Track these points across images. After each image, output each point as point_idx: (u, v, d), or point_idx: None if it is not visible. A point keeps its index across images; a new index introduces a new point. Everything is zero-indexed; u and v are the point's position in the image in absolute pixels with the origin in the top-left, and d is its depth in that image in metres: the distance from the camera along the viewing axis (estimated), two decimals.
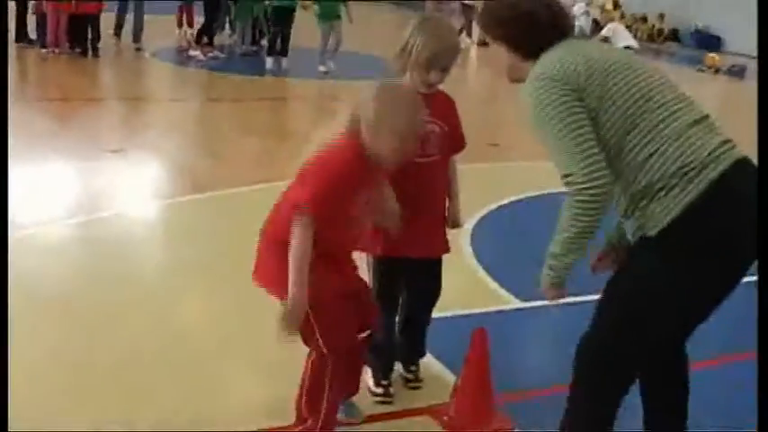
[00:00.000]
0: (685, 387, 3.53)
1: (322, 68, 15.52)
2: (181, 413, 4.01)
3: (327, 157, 3.45)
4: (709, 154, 2.99)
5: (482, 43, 22.30)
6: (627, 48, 19.97)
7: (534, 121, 3.11)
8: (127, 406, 4.08)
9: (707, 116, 3.13)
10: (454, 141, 4.15)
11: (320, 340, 3.55)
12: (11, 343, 4.17)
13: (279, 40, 15.78)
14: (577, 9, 21.25)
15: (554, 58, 3.16)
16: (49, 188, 7.76)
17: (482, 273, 6.16)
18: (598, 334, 3.24)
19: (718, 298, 3.10)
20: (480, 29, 3.45)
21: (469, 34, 22.60)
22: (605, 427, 3.32)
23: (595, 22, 22.04)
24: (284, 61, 15.86)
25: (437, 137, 4.01)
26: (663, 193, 2.98)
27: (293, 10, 15.80)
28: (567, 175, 3.02)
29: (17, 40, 15.45)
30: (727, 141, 3.07)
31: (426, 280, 4.28)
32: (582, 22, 21.28)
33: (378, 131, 3.38)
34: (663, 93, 3.10)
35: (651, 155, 3.00)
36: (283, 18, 15.70)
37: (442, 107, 4.07)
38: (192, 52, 16.49)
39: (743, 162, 3.04)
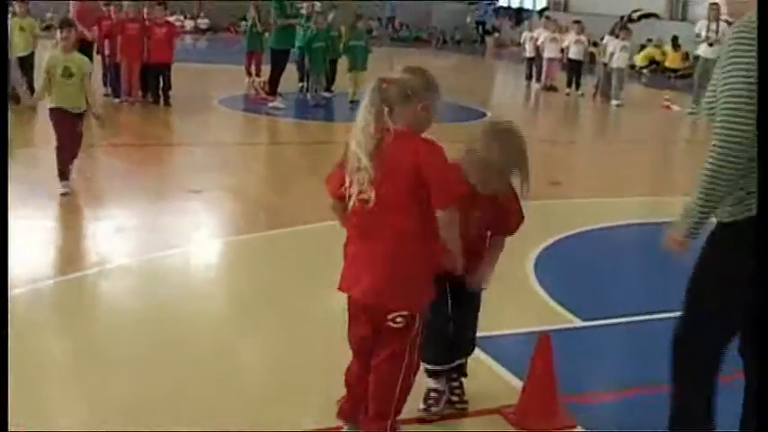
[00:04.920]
0: None
1: None
2: None
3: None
4: None
5: (547, 88, 22.76)
6: None
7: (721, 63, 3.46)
8: None
9: None
10: None
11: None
12: (95, 367, 4.57)
13: None
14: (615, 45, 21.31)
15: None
16: (139, 225, 8.29)
17: (545, 296, 6.55)
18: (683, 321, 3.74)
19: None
20: None
21: (538, 80, 23.14)
22: (707, 411, 3.78)
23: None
24: None
25: None
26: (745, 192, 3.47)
27: None
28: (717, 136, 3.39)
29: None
30: None
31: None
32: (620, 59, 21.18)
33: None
34: None
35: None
36: None
37: None
38: (270, 103, 16.52)
39: None
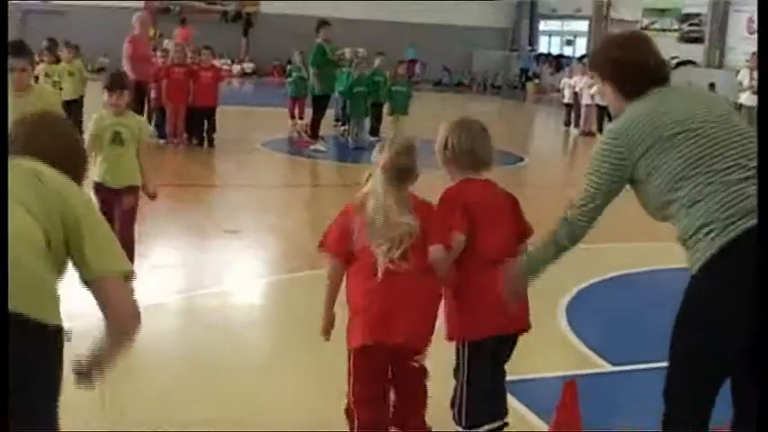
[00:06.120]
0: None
1: None
2: None
3: None
4: (729, 216, 3.47)
5: (585, 134, 22.71)
6: None
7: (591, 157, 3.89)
8: None
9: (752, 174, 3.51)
10: None
11: None
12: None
13: None
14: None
15: (632, 118, 3.72)
16: (175, 263, 8.49)
17: (576, 340, 6.59)
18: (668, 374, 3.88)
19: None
20: (591, 69, 4.19)
21: (576, 125, 23.12)
22: None
23: None
24: None
25: None
26: (693, 243, 3.58)
27: None
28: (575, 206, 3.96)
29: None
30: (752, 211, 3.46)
31: None
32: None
33: None
34: (721, 153, 3.56)
35: (690, 207, 3.58)
36: None
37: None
38: (312, 146, 16.57)
39: (749, 232, 3.43)
